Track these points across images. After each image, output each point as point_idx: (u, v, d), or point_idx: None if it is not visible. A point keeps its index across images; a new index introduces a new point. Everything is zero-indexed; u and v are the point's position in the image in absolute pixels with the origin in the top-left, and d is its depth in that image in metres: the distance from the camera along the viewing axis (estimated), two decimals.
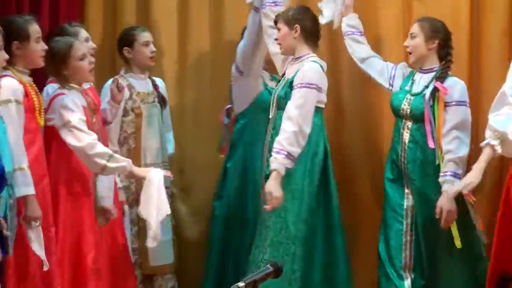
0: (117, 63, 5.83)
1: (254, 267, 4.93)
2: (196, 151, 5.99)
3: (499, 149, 4.64)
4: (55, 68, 4.85)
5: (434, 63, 5.11)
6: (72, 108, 4.71)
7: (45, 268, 4.33)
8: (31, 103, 4.53)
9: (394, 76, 5.28)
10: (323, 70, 5.05)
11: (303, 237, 4.99)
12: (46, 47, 4.65)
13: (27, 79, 4.58)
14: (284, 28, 5.07)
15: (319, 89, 4.97)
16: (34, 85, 4.65)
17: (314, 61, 5.03)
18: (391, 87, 5.29)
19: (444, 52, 5.10)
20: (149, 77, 5.71)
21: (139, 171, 4.85)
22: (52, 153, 4.82)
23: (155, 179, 4.74)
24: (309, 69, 4.98)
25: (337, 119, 5.82)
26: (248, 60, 5.50)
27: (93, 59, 4.97)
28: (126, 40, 5.63)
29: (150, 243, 4.74)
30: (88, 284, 4.81)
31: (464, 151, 4.95)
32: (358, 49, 5.35)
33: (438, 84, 5.00)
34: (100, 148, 4.67)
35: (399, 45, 5.39)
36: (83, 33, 5.22)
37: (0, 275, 4.10)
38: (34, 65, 4.63)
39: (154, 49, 5.64)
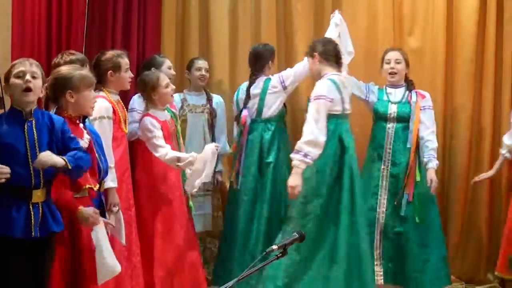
0: (184, 84, 6.19)
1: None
2: None
3: (508, 155, 5.63)
4: (147, 94, 5.26)
5: (402, 80, 5.71)
6: (151, 129, 5.14)
7: (123, 243, 4.62)
8: (117, 117, 4.88)
9: (369, 91, 5.77)
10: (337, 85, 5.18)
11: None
12: (132, 75, 5.05)
13: (115, 98, 4.96)
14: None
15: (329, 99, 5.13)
16: (121, 101, 5.04)
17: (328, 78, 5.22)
18: (367, 98, 5.75)
19: (407, 71, 5.73)
20: (206, 93, 6.06)
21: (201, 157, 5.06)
22: (139, 155, 5.34)
23: (207, 150, 5.05)
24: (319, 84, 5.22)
25: None
26: (296, 82, 5.76)
27: (173, 86, 5.32)
28: (187, 65, 6.09)
29: (189, 190, 5.10)
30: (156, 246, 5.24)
31: (436, 141, 5.58)
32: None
33: (418, 92, 5.62)
34: (170, 155, 5.05)
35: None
36: (168, 62, 5.68)
37: None
38: (123, 88, 5.05)
39: (203, 73, 5.98)
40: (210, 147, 5.11)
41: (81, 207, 3.92)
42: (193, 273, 5.38)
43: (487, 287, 5.99)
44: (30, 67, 3.72)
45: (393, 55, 5.69)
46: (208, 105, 6.07)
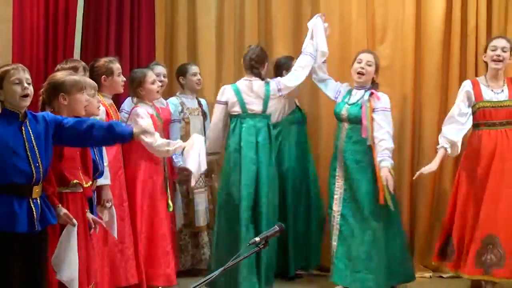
0: (173, 88, 6.43)
1: None
2: None
3: (449, 151, 5.50)
4: (134, 89, 5.48)
5: (369, 83, 5.70)
6: (142, 116, 5.31)
7: (115, 236, 4.71)
8: (110, 119, 4.99)
9: (339, 92, 5.78)
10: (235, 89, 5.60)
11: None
12: (124, 79, 5.21)
13: (109, 102, 5.15)
14: None
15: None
16: (114, 104, 5.24)
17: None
18: (336, 99, 5.76)
19: (376, 76, 5.74)
20: (196, 98, 6.26)
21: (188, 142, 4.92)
22: (133, 148, 5.32)
23: (197, 141, 4.87)
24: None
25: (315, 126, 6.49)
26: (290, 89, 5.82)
27: (160, 84, 5.57)
28: (181, 71, 6.24)
29: (193, 183, 5.15)
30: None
31: (392, 142, 5.56)
32: (322, 74, 5.84)
33: (374, 92, 5.57)
34: (160, 140, 4.67)
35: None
36: (157, 69, 5.80)
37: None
38: (116, 92, 5.25)
39: (200, 77, 6.20)
40: (198, 136, 5.17)
41: (59, 205, 4.00)
42: (164, 264, 5.48)
43: (453, 275, 5.94)
44: (24, 73, 3.83)
45: (365, 57, 5.69)
46: (200, 108, 6.26)
